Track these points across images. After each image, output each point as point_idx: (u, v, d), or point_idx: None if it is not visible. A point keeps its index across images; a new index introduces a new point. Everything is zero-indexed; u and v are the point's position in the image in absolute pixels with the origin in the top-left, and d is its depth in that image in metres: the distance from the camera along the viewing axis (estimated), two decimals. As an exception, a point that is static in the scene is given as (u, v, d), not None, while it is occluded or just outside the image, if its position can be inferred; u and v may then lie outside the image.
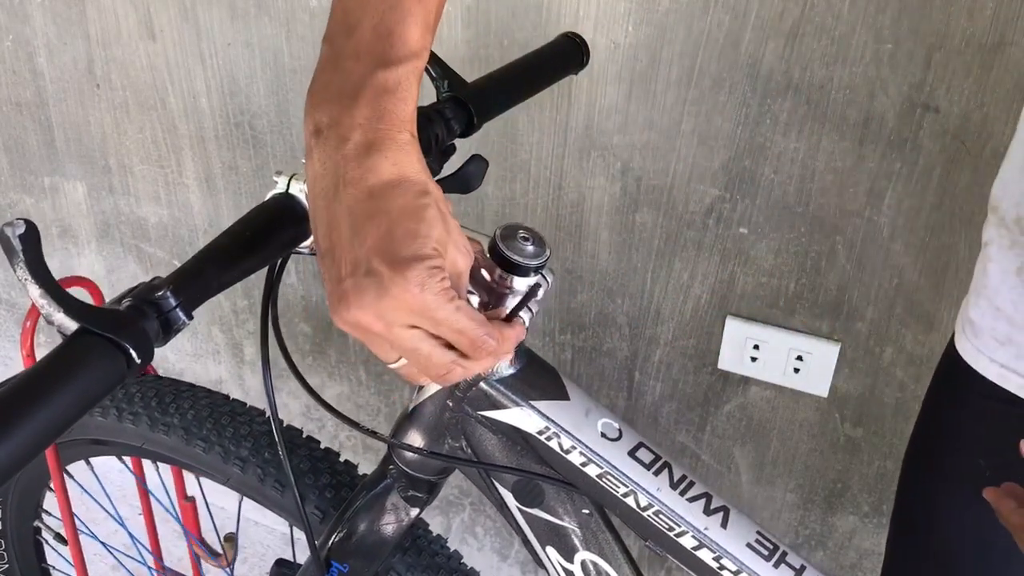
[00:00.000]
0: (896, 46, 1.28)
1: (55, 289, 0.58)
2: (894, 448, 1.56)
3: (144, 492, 1.53)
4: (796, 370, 1.55)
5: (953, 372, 1.02)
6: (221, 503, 1.53)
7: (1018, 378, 0.94)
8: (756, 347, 1.56)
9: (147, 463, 1.49)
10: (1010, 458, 0.99)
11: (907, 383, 1.50)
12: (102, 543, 1.62)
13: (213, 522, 1.56)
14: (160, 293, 0.62)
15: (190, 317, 0.63)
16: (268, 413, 1.17)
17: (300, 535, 1.45)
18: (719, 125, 1.42)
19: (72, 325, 0.58)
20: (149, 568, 1.67)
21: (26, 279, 0.57)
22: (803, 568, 0.85)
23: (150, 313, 0.61)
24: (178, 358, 2.17)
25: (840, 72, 1.33)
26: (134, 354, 0.58)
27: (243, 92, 1.74)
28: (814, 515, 1.70)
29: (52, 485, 1.39)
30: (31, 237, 0.57)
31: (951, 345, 1.04)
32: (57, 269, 2.16)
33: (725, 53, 1.37)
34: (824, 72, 1.33)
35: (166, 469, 1.48)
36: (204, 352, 2.14)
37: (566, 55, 1.09)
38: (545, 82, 1.08)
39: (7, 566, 1.46)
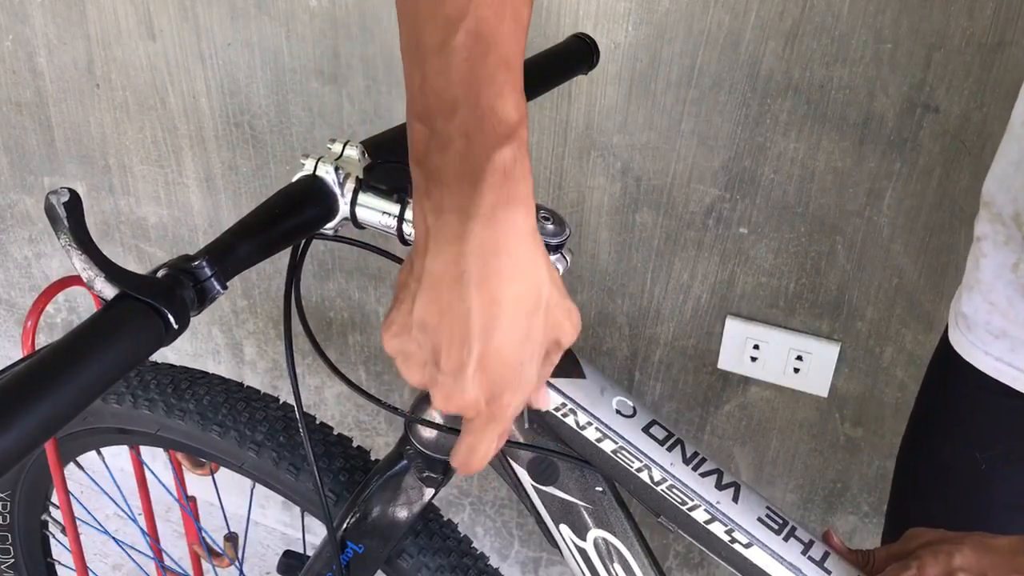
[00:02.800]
0: (896, 46, 1.29)
1: (97, 255, 0.59)
2: (894, 448, 1.56)
3: (145, 491, 1.53)
4: (796, 370, 1.56)
5: (947, 365, 1.03)
6: (218, 503, 1.54)
7: (1013, 371, 0.95)
8: (756, 347, 1.56)
9: (146, 461, 1.50)
10: (1004, 449, 1.01)
11: (907, 383, 1.51)
12: (113, 538, 1.61)
13: (226, 518, 1.57)
14: (196, 263, 0.63)
15: (224, 287, 0.64)
16: (282, 400, 1.18)
17: (311, 523, 1.45)
18: (719, 125, 1.43)
19: (112, 291, 0.59)
20: (155, 561, 1.66)
21: (69, 246, 0.58)
22: (811, 543, 0.86)
23: (186, 282, 0.62)
24: (178, 358, 2.17)
25: (840, 72, 1.34)
26: (172, 319, 0.60)
27: (243, 92, 1.75)
28: (814, 515, 1.71)
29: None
30: (74, 205, 0.58)
31: (944, 338, 1.05)
32: (58, 269, 2.17)
33: (725, 53, 1.38)
34: (824, 72, 1.35)
35: (165, 470, 1.49)
36: (204, 352, 2.14)
37: (576, 55, 1.10)
38: (555, 81, 1.10)
39: (13, 560, 1.46)
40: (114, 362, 0.56)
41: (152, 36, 1.76)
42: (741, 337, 1.57)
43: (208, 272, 0.63)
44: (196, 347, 2.14)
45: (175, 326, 0.60)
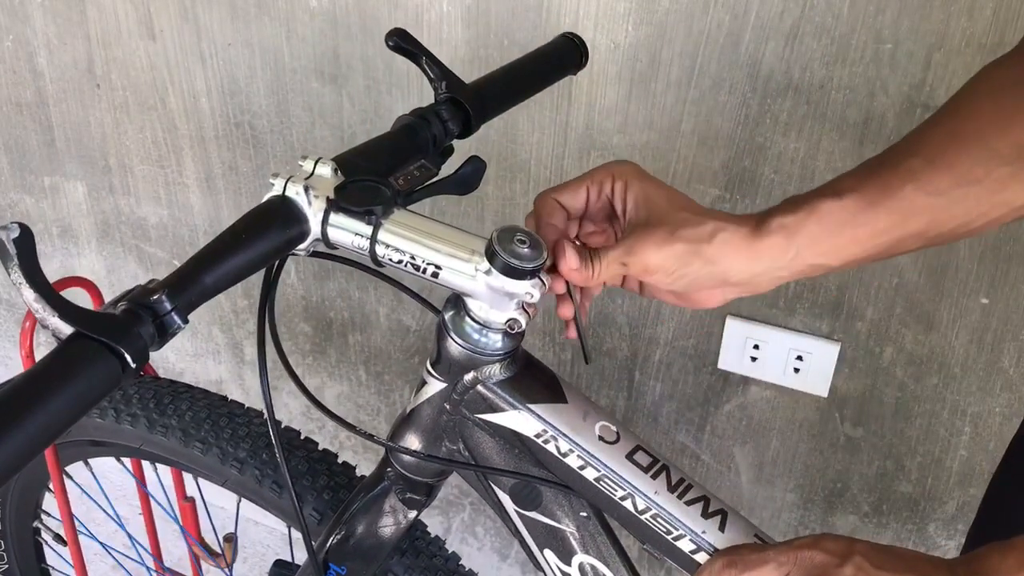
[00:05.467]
0: (896, 46, 1.28)
1: (50, 293, 0.57)
2: (894, 448, 1.56)
3: (144, 493, 1.53)
4: (796, 370, 1.54)
5: None
6: (221, 503, 1.53)
7: None
8: (756, 347, 1.55)
9: (146, 463, 1.49)
10: None
11: (907, 383, 1.50)
12: (101, 544, 1.62)
13: (212, 523, 1.56)
14: (155, 297, 0.62)
15: (186, 321, 0.63)
16: (266, 415, 1.17)
17: (299, 536, 1.45)
18: (719, 125, 1.42)
19: (67, 329, 0.57)
20: (149, 568, 1.66)
21: (20, 283, 0.57)
22: None
23: (145, 317, 0.61)
24: (178, 358, 2.17)
25: (840, 72, 1.32)
26: (129, 358, 0.58)
27: (243, 92, 1.74)
28: (814, 515, 1.70)
29: (51, 486, 1.39)
30: (26, 240, 0.56)
31: None
32: (57, 269, 2.17)
33: (725, 53, 1.37)
34: (824, 72, 1.33)
35: (165, 470, 1.49)
36: (204, 352, 2.14)
37: (565, 55, 1.08)
38: (543, 83, 1.08)
39: (7, 567, 1.46)
40: (69, 406, 0.55)
41: (152, 36, 1.75)
42: (741, 337, 1.56)
43: (168, 306, 0.62)
44: (196, 347, 2.14)
45: (132, 365, 0.58)
